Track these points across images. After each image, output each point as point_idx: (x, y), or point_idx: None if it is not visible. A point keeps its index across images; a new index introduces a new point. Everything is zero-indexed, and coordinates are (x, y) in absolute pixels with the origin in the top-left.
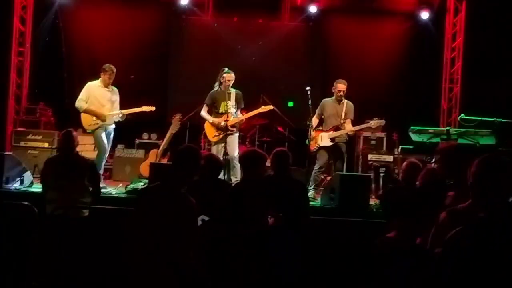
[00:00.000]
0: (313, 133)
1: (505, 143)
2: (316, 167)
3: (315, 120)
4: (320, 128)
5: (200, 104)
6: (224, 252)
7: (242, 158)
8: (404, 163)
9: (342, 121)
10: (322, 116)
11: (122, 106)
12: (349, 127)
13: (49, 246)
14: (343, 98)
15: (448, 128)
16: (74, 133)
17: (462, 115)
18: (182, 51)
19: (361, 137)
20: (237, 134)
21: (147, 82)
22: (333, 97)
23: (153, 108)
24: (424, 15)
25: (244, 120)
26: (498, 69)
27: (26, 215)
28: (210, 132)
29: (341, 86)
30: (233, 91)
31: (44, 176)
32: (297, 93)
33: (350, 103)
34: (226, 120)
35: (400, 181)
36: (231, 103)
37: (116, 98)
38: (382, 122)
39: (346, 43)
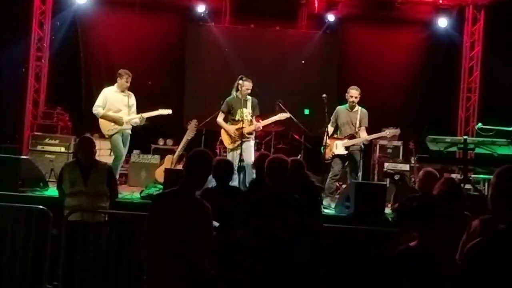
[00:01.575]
0: (328, 141)
1: None
2: (330, 174)
3: (330, 128)
4: (335, 136)
5: (216, 111)
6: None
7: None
8: (421, 172)
9: (356, 129)
10: (337, 123)
11: (139, 112)
12: (364, 136)
13: (67, 250)
14: (356, 105)
15: (465, 137)
16: (93, 139)
17: (479, 124)
18: (199, 57)
19: (377, 146)
20: (253, 141)
21: (164, 88)
22: (347, 105)
23: (170, 111)
24: (442, 22)
25: (261, 127)
26: None
27: (41, 219)
28: (226, 139)
29: (354, 92)
30: (249, 98)
31: (62, 181)
32: (314, 100)
33: (364, 110)
34: (242, 128)
35: (417, 190)
36: (248, 110)
37: (133, 102)
38: (397, 131)
39: (363, 52)
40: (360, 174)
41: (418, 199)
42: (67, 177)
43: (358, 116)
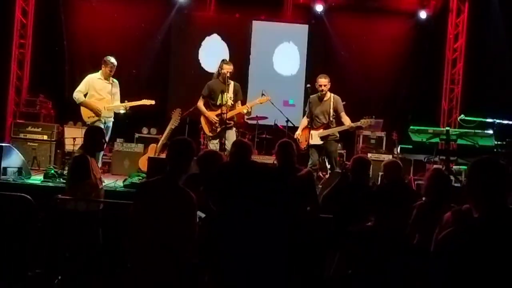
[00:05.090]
0: (301, 132)
1: (504, 145)
2: (309, 164)
3: (305, 120)
4: (311, 126)
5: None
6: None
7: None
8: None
9: (331, 118)
10: (312, 114)
11: (123, 100)
12: (348, 122)
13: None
14: (327, 93)
15: (447, 128)
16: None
17: (462, 115)
18: (184, 46)
19: (361, 136)
20: (234, 129)
21: (148, 76)
22: (318, 94)
23: (153, 102)
24: (423, 14)
25: (245, 112)
26: (499, 70)
27: (24, 206)
28: (207, 127)
29: (322, 80)
30: (231, 82)
31: (87, 175)
32: (298, 91)
33: (337, 97)
34: (222, 113)
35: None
36: (229, 95)
37: (116, 90)
38: (372, 121)
39: (349, 42)
40: (336, 163)
41: (379, 186)
42: (92, 168)
43: (331, 104)
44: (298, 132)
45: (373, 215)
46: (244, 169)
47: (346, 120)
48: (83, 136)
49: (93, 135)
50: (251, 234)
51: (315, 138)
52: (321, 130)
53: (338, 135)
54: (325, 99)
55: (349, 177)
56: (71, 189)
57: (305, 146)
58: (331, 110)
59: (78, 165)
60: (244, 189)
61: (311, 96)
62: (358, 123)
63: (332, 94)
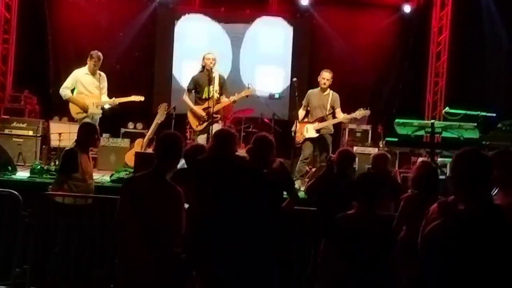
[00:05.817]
0: (298, 125)
1: (488, 137)
2: (301, 157)
3: (301, 112)
4: (306, 119)
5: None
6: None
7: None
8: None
9: (327, 112)
10: (308, 108)
11: (111, 97)
12: (342, 115)
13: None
14: (328, 88)
15: (432, 121)
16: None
17: (446, 108)
18: (169, 41)
19: (347, 130)
20: (221, 122)
21: (134, 71)
22: (318, 88)
23: (142, 98)
24: (407, 8)
25: (231, 103)
26: (483, 63)
27: (11, 203)
28: (194, 121)
29: (326, 75)
30: (216, 74)
31: (75, 168)
32: (284, 84)
33: (336, 94)
34: (209, 107)
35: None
36: (215, 88)
37: (104, 84)
38: (367, 112)
39: (333, 35)
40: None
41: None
42: (81, 162)
43: (330, 99)
44: (295, 125)
45: (355, 202)
46: (221, 163)
47: (340, 115)
48: (77, 131)
49: (87, 131)
50: (232, 228)
51: (311, 131)
52: (316, 123)
53: (332, 129)
54: (325, 93)
55: (334, 169)
56: (58, 181)
57: (300, 139)
58: (328, 105)
59: (65, 158)
60: (222, 184)
61: (310, 90)
62: (354, 115)
63: (331, 91)
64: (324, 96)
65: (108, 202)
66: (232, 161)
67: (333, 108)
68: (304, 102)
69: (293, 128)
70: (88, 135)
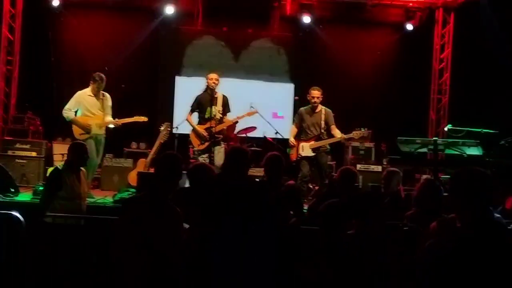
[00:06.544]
0: (293, 142)
1: (491, 154)
2: (300, 176)
3: (293, 130)
4: (302, 137)
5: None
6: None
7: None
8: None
9: (322, 130)
10: (302, 125)
11: (113, 114)
12: (339, 135)
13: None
14: (319, 105)
15: (435, 138)
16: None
17: (449, 125)
18: (172, 60)
19: (350, 148)
20: (223, 144)
21: (137, 91)
22: (309, 106)
23: (145, 119)
24: (409, 26)
25: (234, 123)
26: (486, 80)
27: (13, 224)
28: (195, 140)
29: (315, 92)
30: (220, 95)
31: (61, 185)
32: (287, 103)
33: (328, 110)
34: (211, 127)
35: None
36: (217, 108)
37: (108, 104)
38: (365, 132)
39: (335, 54)
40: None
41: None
42: (67, 181)
43: (323, 116)
44: (291, 139)
45: (356, 220)
46: (234, 185)
47: (337, 133)
48: (67, 151)
49: (75, 151)
50: (240, 250)
51: (307, 150)
52: (312, 142)
53: (329, 147)
54: (316, 111)
55: (335, 188)
56: (42, 200)
57: (296, 157)
58: (322, 122)
59: (50, 176)
60: (233, 206)
61: (301, 108)
62: (350, 135)
63: (323, 107)
64: (316, 114)
65: (112, 223)
66: (244, 182)
67: (327, 124)
68: (296, 120)
69: (290, 141)
70: (76, 155)
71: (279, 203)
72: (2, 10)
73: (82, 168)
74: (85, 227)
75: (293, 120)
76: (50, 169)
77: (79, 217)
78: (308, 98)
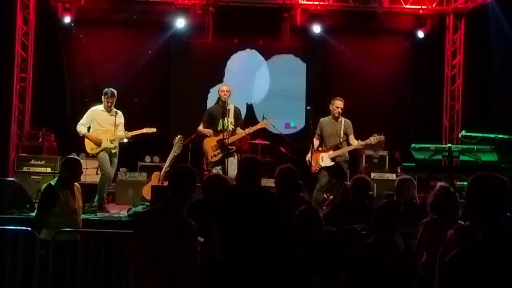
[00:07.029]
0: (313, 155)
1: (506, 160)
2: (317, 186)
3: (315, 142)
4: (320, 148)
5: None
6: None
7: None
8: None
9: (341, 140)
10: (322, 136)
11: (126, 129)
12: (356, 142)
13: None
14: (340, 116)
15: (449, 145)
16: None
17: (463, 131)
18: (184, 73)
19: (364, 156)
20: (236, 155)
21: (150, 104)
22: (330, 116)
23: (154, 130)
24: (420, 34)
25: (247, 135)
26: (498, 85)
27: (28, 241)
28: (209, 151)
29: (338, 103)
30: (232, 106)
31: (55, 202)
32: (299, 113)
33: (348, 121)
34: (224, 138)
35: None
36: (230, 119)
37: (121, 121)
38: (381, 137)
39: (347, 63)
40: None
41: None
42: (61, 196)
43: (343, 127)
44: (309, 154)
45: (373, 230)
46: (249, 194)
47: (354, 141)
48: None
49: (68, 166)
50: (248, 262)
51: (326, 160)
52: (331, 152)
53: (347, 156)
54: (337, 121)
55: (349, 196)
56: (36, 217)
57: (316, 169)
58: (342, 132)
59: (43, 193)
60: (247, 215)
61: (322, 119)
62: (368, 141)
63: (343, 118)
64: (337, 123)
65: (127, 236)
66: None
67: (346, 135)
68: (317, 131)
69: (307, 157)
70: (69, 170)
71: (290, 220)
72: (16, 28)
73: (76, 184)
74: (97, 241)
75: (314, 132)
76: (43, 185)
77: (90, 231)
78: (331, 108)
